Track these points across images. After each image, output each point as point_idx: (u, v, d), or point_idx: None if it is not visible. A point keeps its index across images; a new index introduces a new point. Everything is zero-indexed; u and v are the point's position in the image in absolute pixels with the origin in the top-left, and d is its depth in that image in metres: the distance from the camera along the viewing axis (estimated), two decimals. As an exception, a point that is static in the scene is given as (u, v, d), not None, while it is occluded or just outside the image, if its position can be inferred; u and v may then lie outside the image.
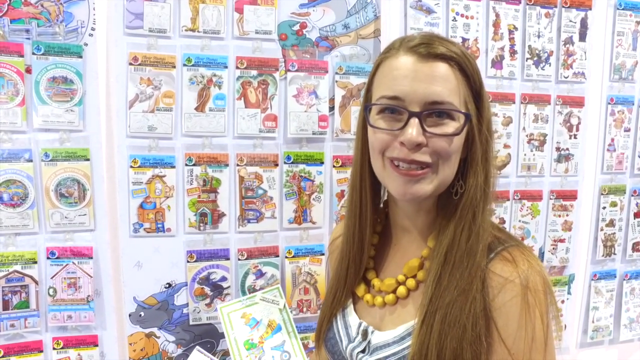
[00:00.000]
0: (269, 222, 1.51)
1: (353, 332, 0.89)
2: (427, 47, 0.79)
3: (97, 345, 1.42)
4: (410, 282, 0.87)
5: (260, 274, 1.50)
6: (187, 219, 1.45)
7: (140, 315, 1.43)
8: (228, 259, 1.48)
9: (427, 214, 0.87)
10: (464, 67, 0.80)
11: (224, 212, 1.47)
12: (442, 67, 0.78)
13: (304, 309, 1.55)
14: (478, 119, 0.82)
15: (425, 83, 0.77)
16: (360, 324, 0.89)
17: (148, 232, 1.42)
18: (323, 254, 1.55)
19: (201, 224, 1.45)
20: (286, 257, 1.52)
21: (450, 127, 0.79)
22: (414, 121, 0.78)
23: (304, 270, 1.54)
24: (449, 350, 0.76)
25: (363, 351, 0.86)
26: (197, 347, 0.95)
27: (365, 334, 0.87)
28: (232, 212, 1.48)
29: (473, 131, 0.81)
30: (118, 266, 1.42)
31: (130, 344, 1.44)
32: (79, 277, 1.38)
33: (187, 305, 1.46)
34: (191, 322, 1.46)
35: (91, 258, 1.38)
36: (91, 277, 1.39)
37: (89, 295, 1.39)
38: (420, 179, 0.80)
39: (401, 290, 0.87)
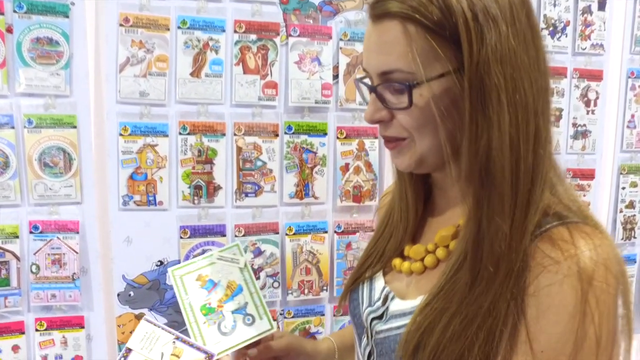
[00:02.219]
0: (268, 196, 1.42)
1: (375, 296, 0.80)
2: (376, 7, 0.68)
3: (83, 327, 1.33)
4: (441, 252, 0.76)
5: (258, 252, 1.41)
6: (180, 191, 1.36)
7: (129, 295, 1.35)
8: (224, 235, 1.39)
9: (460, 181, 0.73)
10: (422, 16, 0.65)
11: (220, 184, 1.38)
12: (392, 28, 0.67)
13: (305, 291, 1.46)
14: (471, 64, 0.64)
15: (375, 52, 0.68)
16: (383, 288, 0.80)
17: (138, 205, 1.33)
18: (326, 232, 1.46)
19: (195, 198, 1.36)
20: (286, 234, 1.44)
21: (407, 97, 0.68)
22: (372, 97, 0.71)
23: (305, 249, 1.45)
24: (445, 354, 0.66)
25: (380, 317, 0.78)
26: (145, 317, 0.83)
27: (385, 300, 0.78)
28: (228, 185, 1.39)
29: (455, 88, 0.66)
30: (106, 242, 1.33)
31: (119, 326, 1.35)
32: (64, 253, 1.30)
33: (180, 284, 1.36)
34: (176, 300, 1.36)
35: (77, 233, 1.30)
36: (77, 253, 1.30)
37: (74, 273, 1.30)
38: (399, 151, 0.72)
39: (429, 259, 0.77)
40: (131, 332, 1.32)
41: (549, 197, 0.68)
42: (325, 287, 1.48)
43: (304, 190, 1.44)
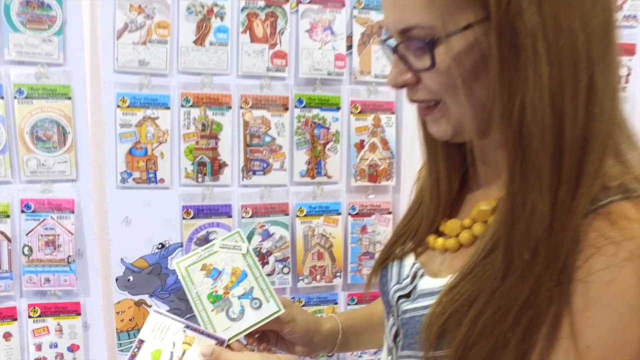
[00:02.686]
0: (277, 174, 1.33)
1: (404, 273, 0.73)
2: None
3: (79, 314, 1.25)
4: (478, 228, 0.66)
5: (267, 235, 1.32)
6: (183, 168, 1.26)
7: (128, 280, 1.26)
8: (230, 216, 1.30)
9: (503, 147, 0.62)
10: None
11: (226, 161, 1.29)
12: None
13: (317, 277, 1.36)
14: (499, 7, 0.54)
15: (392, 7, 0.60)
16: (413, 265, 0.72)
17: (138, 182, 1.24)
18: (339, 214, 1.37)
19: (199, 175, 1.27)
20: (297, 216, 1.34)
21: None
22: (394, 59, 0.62)
23: (317, 232, 1.35)
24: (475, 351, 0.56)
25: (407, 296, 0.70)
26: (154, 309, 0.85)
27: (414, 277, 0.71)
28: (235, 162, 1.30)
29: (483, 41, 0.56)
30: (103, 222, 1.24)
31: (118, 313, 1.26)
32: (58, 234, 1.21)
33: (182, 269, 1.27)
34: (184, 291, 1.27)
35: (72, 212, 1.21)
36: (72, 234, 1.21)
37: (69, 256, 1.22)
38: (435, 118, 0.64)
39: (464, 235, 0.67)
40: (130, 320, 1.24)
41: (612, 166, 0.56)
42: (338, 274, 1.38)
43: (315, 168, 1.34)
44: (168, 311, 1.22)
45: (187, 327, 0.81)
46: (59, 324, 1.24)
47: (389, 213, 1.40)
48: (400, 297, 0.70)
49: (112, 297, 1.26)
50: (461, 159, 0.72)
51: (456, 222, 0.69)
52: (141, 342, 0.81)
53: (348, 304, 1.41)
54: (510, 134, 0.55)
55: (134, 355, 0.80)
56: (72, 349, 1.25)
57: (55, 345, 1.24)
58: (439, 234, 0.71)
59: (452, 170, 0.71)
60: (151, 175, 1.24)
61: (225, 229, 1.29)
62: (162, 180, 1.25)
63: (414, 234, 0.75)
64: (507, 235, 0.56)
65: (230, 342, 0.81)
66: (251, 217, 1.31)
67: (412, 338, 0.66)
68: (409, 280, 0.71)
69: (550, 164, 0.54)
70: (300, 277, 1.35)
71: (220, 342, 0.80)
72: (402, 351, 0.69)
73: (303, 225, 1.34)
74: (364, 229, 1.39)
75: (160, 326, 0.82)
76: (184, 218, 1.27)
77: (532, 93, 0.53)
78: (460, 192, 0.73)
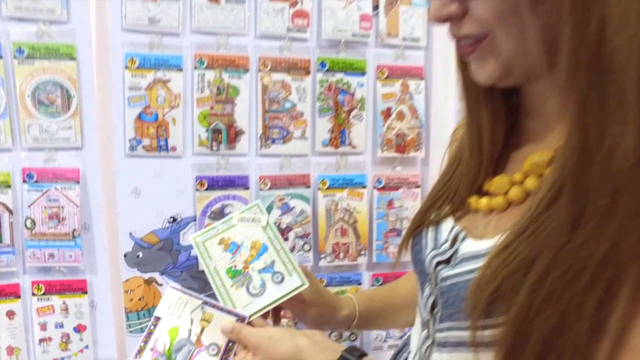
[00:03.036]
0: (298, 143, 1.23)
1: (442, 238, 0.65)
2: None
3: (85, 292, 1.16)
4: (532, 182, 0.56)
5: (287, 209, 1.23)
6: (196, 136, 1.17)
7: (138, 256, 1.17)
8: (247, 188, 1.21)
9: (560, 90, 0.55)
10: None
11: (243, 129, 1.19)
12: None
13: (341, 255, 1.27)
14: None
15: None
16: (452, 228, 0.64)
17: (148, 150, 1.15)
18: (364, 187, 1.27)
19: (214, 143, 1.18)
20: (319, 188, 1.25)
21: None
22: None
23: (341, 207, 1.26)
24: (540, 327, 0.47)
25: (447, 262, 0.62)
26: (171, 284, 0.82)
27: (455, 241, 0.62)
28: (252, 129, 1.21)
29: None
30: (111, 194, 1.15)
31: (127, 292, 1.18)
32: (62, 207, 1.12)
33: (196, 245, 1.19)
34: (200, 267, 1.19)
35: (77, 183, 1.12)
36: (77, 206, 1.13)
37: (75, 230, 1.13)
38: (479, 56, 0.55)
39: (515, 192, 0.58)
40: (140, 299, 1.16)
41: None
42: (363, 252, 1.28)
43: (339, 137, 1.25)
44: (180, 290, 1.14)
45: (206, 303, 0.78)
46: (64, 303, 1.16)
47: (417, 187, 1.31)
48: (438, 264, 0.63)
49: (121, 275, 1.18)
50: (506, 110, 0.63)
51: (504, 178, 0.60)
52: (157, 319, 0.78)
53: (372, 285, 1.31)
54: (582, 60, 0.46)
55: (150, 333, 0.77)
56: (79, 329, 1.18)
57: (61, 325, 1.16)
58: (482, 194, 0.63)
59: (496, 122, 0.62)
60: (162, 143, 1.15)
61: (242, 201, 1.20)
62: (173, 149, 1.16)
63: (452, 195, 0.67)
64: (576, 180, 0.47)
65: (252, 318, 0.76)
66: (270, 189, 1.22)
67: (454, 307, 0.59)
68: (447, 244, 0.63)
69: (637, 87, 0.44)
70: (322, 255, 1.26)
71: (240, 318, 0.76)
72: (440, 323, 0.61)
73: (325, 199, 1.25)
74: (390, 203, 1.29)
75: (177, 303, 0.79)
76: (197, 190, 1.18)
77: (615, 4, 0.44)
78: (504, 149, 0.64)
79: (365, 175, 1.27)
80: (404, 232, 0.78)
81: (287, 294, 0.79)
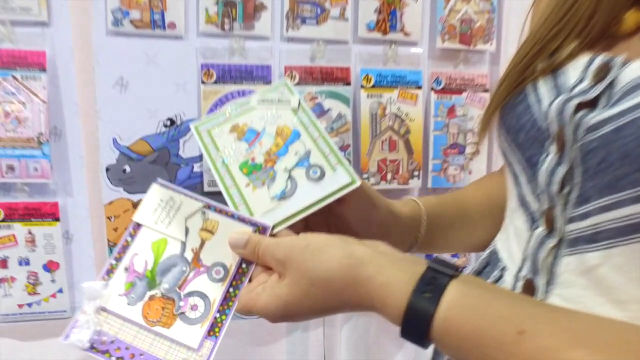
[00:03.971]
0: (336, 25, 0.99)
1: (572, 79, 0.52)
2: None
3: (57, 220, 0.94)
4: None
5: (320, 111, 0.99)
6: (203, 9, 0.93)
7: (124, 170, 0.94)
8: (268, 82, 0.97)
9: None
10: None
11: (264, 2, 0.94)
12: None
13: (388, 176, 1.02)
14: None
15: None
16: (592, 60, 0.51)
17: (138, 27, 0.90)
18: (420, 87, 1.03)
19: (226, 20, 0.93)
20: (362, 86, 1.02)
21: None
22: None
23: (389, 111, 1.02)
24: None
25: (593, 104, 0.48)
26: (158, 179, 0.60)
27: (605, 71, 0.49)
28: (276, 3, 0.96)
29: None
30: (88, 86, 0.92)
31: (110, 219, 0.95)
32: (23, 102, 0.89)
33: (201, 157, 0.95)
34: (207, 187, 0.96)
35: (44, 71, 0.89)
36: (45, 102, 0.90)
37: (40, 134, 0.90)
38: None
39: None
40: (126, 229, 0.90)
41: None
42: (416, 172, 1.03)
43: (388, 19, 1.01)
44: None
45: (209, 207, 0.58)
46: (30, 232, 0.94)
47: (485, 91, 1.04)
48: (579, 107, 0.48)
49: (102, 196, 0.95)
50: None
51: None
52: (137, 226, 0.58)
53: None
54: None
55: (125, 246, 0.56)
56: (50, 267, 0.96)
57: (27, 262, 0.95)
58: None
59: None
60: (157, 17, 0.91)
61: (262, 101, 0.94)
62: (172, 25, 0.92)
63: (582, 26, 0.53)
64: None
65: (276, 230, 0.55)
66: (298, 84, 0.99)
67: (616, 169, 0.45)
68: (587, 82, 0.50)
69: None
70: (365, 175, 1.01)
71: (259, 229, 0.55)
72: (581, 206, 0.48)
73: (370, 100, 1.01)
74: (451, 110, 1.04)
75: (166, 205, 0.58)
76: (203, 82, 0.94)
77: None
78: None
79: (420, 73, 1.05)
80: (486, 105, 0.58)
81: (330, 195, 0.57)
